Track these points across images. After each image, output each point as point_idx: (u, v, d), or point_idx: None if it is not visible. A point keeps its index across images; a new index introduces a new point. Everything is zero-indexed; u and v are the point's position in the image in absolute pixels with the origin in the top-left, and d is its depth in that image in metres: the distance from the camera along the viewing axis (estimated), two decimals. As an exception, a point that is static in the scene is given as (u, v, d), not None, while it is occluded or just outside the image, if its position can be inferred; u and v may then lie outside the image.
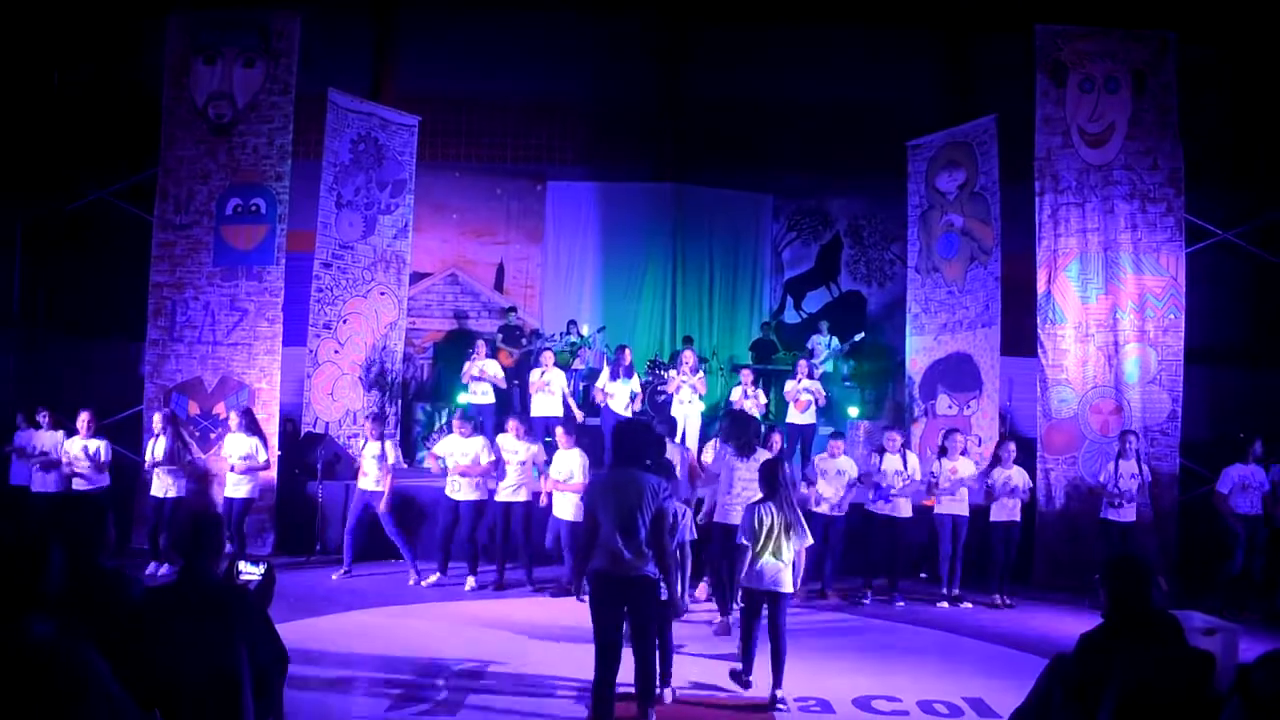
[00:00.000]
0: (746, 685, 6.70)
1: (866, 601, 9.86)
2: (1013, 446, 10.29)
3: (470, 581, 9.96)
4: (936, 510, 10.09)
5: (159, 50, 11.95)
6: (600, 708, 5.47)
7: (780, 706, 6.44)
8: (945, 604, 9.89)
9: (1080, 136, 11.49)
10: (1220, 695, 4.32)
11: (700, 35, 16.01)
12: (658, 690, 5.99)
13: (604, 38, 15.61)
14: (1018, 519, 10.13)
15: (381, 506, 10.16)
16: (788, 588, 6.57)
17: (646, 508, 5.51)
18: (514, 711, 6.29)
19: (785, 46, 15.52)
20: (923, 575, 10.68)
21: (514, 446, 9.96)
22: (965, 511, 10.03)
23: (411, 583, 10.01)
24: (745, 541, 6.54)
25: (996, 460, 10.13)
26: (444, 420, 10.60)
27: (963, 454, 10.15)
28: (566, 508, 9.61)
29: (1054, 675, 4.76)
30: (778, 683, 6.56)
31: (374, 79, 15.38)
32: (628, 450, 5.79)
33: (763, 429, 9.78)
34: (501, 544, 10.02)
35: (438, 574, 10.11)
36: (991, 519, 10.04)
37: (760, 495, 6.69)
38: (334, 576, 10.13)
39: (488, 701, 6.43)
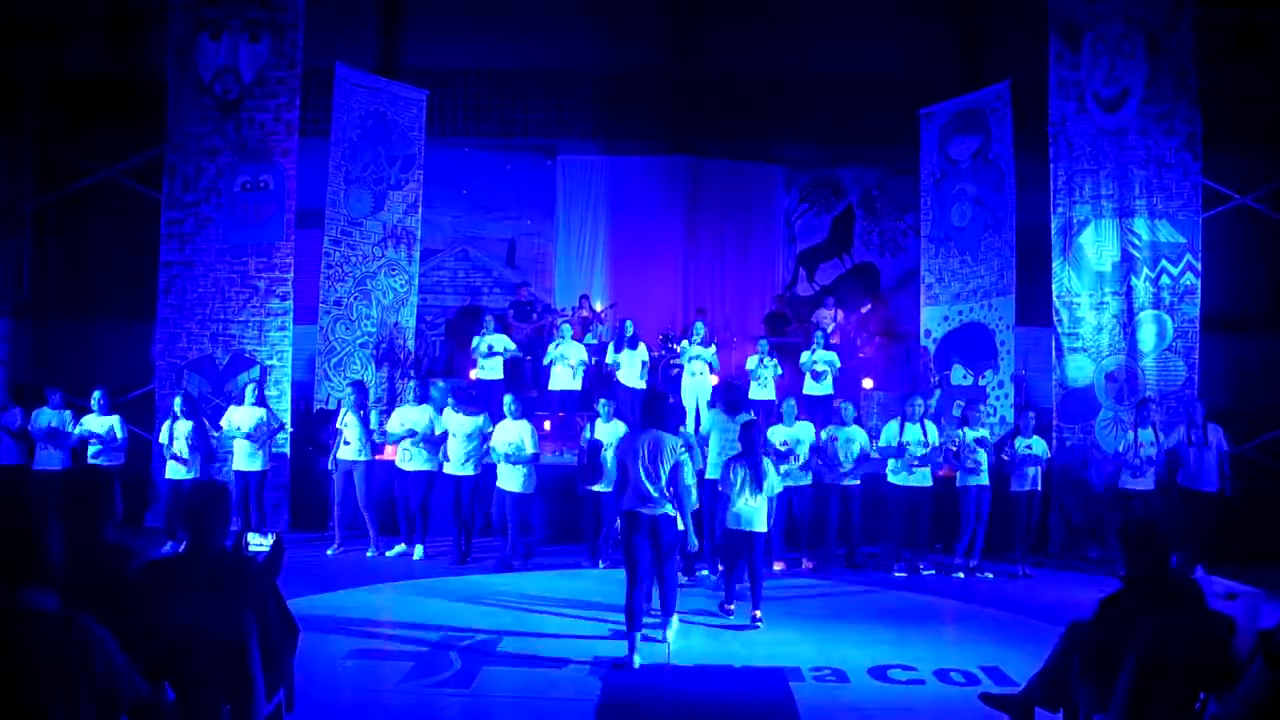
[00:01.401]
0: (728, 614, 7.99)
1: (900, 573, 9.84)
2: (1032, 415, 10.24)
3: (419, 550, 10.09)
4: (958, 482, 10.05)
5: (164, 26, 11.87)
6: (633, 614, 6.68)
7: (759, 622, 7.65)
8: (961, 575, 9.86)
9: (1095, 101, 11.33)
10: (1241, 660, 4.27)
11: (712, 5, 15.85)
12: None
13: (614, 9, 15.46)
14: (1039, 488, 10.09)
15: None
16: (761, 528, 7.81)
17: (668, 460, 6.78)
18: (528, 683, 6.29)
19: (797, 16, 15.33)
20: (937, 546, 10.64)
21: (458, 420, 9.96)
22: (987, 482, 9.98)
23: (370, 554, 10.13)
24: (724, 490, 7.84)
25: (1016, 430, 10.08)
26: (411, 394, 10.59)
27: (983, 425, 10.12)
28: (512, 479, 9.68)
29: (1072, 641, 4.73)
30: (756, 604, 7.76)
31: (381, 53, 15.26)
32: (654, 415, 7.03)
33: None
34: (454, 518, 10.04)
35: (403, 545, 10.21)
36: (1013, 489, 10.00)
37: (739, 450, 7.95)
38: (368, 554, 10.20)
39: (501, 673, 6.42)
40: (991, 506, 9.99)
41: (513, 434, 9.69)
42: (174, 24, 11.69)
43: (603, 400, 10.10)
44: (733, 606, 8.03)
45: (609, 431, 9.73)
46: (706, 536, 9.20)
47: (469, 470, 9.94)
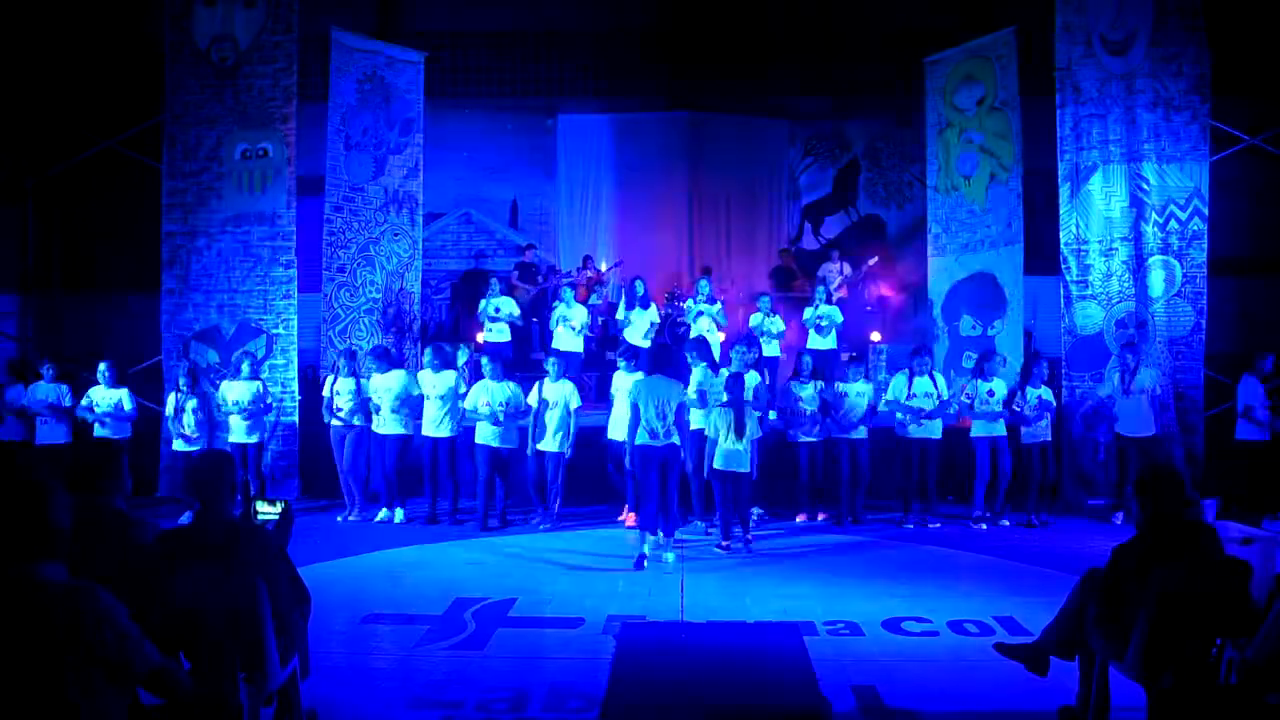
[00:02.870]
0: (726, 549, 8.79)
1: (910, 525, 9.85)
2: (1046, 365, 10.21)
3: (399, 513, 10.14)
4: (973, 433, 10.02)
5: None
6: (648, 525, 8.40)
7: (750, 546, 8.80)
8: (983, 525, 9.85)
9: (1102, 44, 11.16)
10: (1257, 605, 4.26)
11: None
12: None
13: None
14: (1049, 438, 10.07)
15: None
16: (745, 468, 8.69)
17: (674, 400, 8.41)
18: (541, 642, 6.31)
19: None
20: (949, 498, 10.64)
21: (431, 381, 10.00)
22: (1003, 432, 9.95)
23: (351, 518, 10.18)
24: (711, 435, 8.76)
25: (1027, 378, 10.04)
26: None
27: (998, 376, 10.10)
28: (490, 435, 9.76)
29: (1087, 590, 4.71)
30: (746, 533, 8.86)
31: (379, 16, 15.11)
32: (661, 363, 8.82)
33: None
34: (429, 479, 10.10)
35: (385, 511, 10.21)
36: (1025, 440, 9.97)
37: (725, 400, 8.83)
38: (338, 518, 10.22)
39: (515, 634, 6.44)
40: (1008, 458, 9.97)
41: (500, 395, 9.75)
42: (168, -10, 11.57)
43: (551, 359, 10.13)
44: (726, 543, 8.81)
45: (554, 391, 9.76)
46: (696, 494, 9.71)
47: (445, 431, 9.98)
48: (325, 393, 10.42)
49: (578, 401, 9.84)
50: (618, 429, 9.67)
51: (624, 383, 9.77)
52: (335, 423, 10.32)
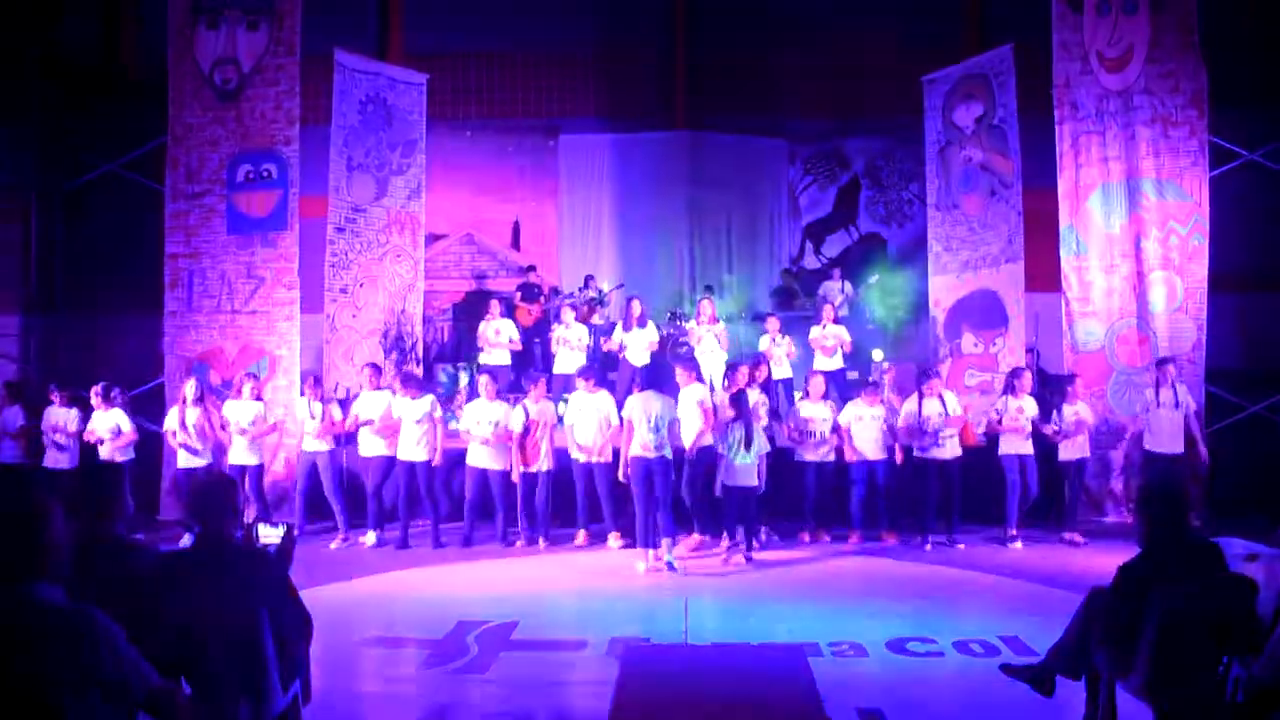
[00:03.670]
0: (731, 561, 9.07)
1: (929, 548, 9.77)
2: (1081, 383, 10.27)
3: (371, 536, 10.05)
4: (1002, 451, 10.00)
5: (161, 18, 11.80)
6: (644, 535, 8.78)
7: (751, 559, 9.05)
8: (1019, 544, 9.78)
9: (1099, 61, 11.20)
10: (1264, 621, 4.24)
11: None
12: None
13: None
14: (1088, 454, 10.10)
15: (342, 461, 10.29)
16: (753, 482, 9.02)
17: (666, 415, 8.91)
18: (545, 665, 6.29)
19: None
20: (967, 519, 10.56)
21: (405, 405, 9.98)
22: (1031, 450, 9.96)
23: (334, 546, 10.01)
24: (722, 450, 9.07)
25: (1064, 396, 10.05)
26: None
27: (1030, 393, 10.11)
28: (482, 456, 9.77)
29: (1092, 609, 4.69)
30: (748, 548, 9.11)
31: (380, 37, 15.18)
32: (655, 379, 9.66)
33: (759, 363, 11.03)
34: (405, 503, 10.02)
35: (373, 533, 10.12)
36: (1061, 458, 10.00)
37: (731, 415, 9.10)
38: (331, 545, 10.08)
39: (519, 658, 6.42)
40: (1040, 474, 9.97)
41: (492, 414, 9.81)
42: (172, 14, 11.62)
43: (539, 380, 10.23)
44: (740, 558, 9.04)
45: (538, 410, 9.87)
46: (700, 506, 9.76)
47: (420, 455, 9.93)
48: (304, 414, 10.42)
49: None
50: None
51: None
52: (306, 446, 10.30)
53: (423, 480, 9.98)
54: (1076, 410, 9.98)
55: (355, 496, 10.45)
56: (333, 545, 10.05)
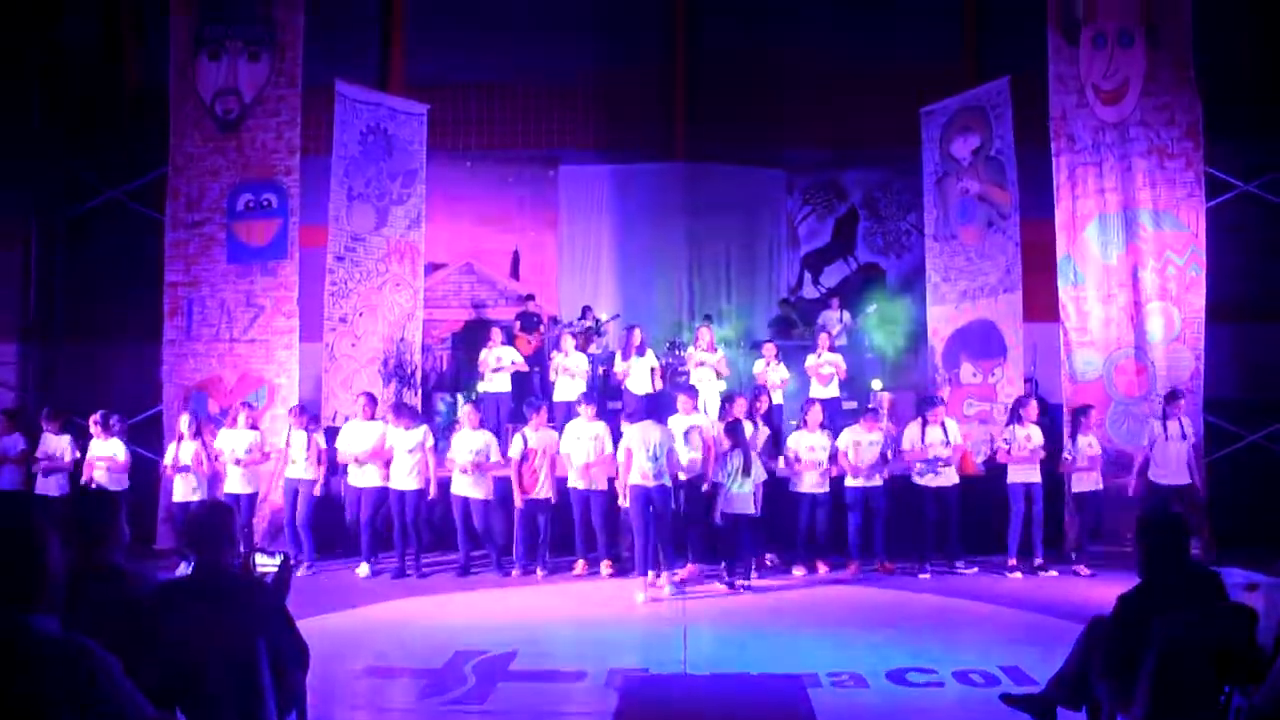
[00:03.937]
0: (731, 588, 9.13)
1: (927, 576, 9.75)
2: (1094, 413, 10.27)
3: (364, 568, 10.00)
4: (1009, 479, 10.00)
5: (164, 48, 11.88)
6: (644, 561, 8.87)
7: (747, 590, 9.09)
8: (1018, 574, 9.77)
9: (1095, 94, 11.29)
10: (1264, 651, 4.22)
11: (709, 9, 15.86)
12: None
13: (611, 18, 15.47)
14: (1101, 487, 10.08)
15: (316, 491, 10.21)
16: (751, 510, 9.08)
17: (665, 443, 9.00)
18: (542, 697, 6.25)
19: (796, 19, 15.34)
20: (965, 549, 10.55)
21: (398, 435, 9.98)
22: (1039, 479, 9.94)
23: (300, 573, 9.83)
24: (720, 480, 9.12)
25: (1076, 427, 10.07)
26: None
27: (1035, 422, 10.11)
28: (464, 485, 9.82)
29: (1092, 639, 4.67)
30: (746, 575, 9.20)
31: (381, 68, 15.27)
32: (655, 411, 9.46)
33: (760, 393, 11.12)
34: (399, 533, 10.01)
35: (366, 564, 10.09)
36: (1075, 490, 10.03)
37: (728, 445, 9.15)
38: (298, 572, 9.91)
39: (517, 688, 6.38)
40: (1045, 503, 9.97)
41: (478, 442, 9.85)
42: (174, 44, 11.70)
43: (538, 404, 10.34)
44: (739, 583, 9.14)
45: (538, 439, 9.91)
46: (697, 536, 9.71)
47: (412, 484, 9.93)
48: (286, 442, 10.40)
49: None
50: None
51: (580, 429, 9.89)
52: (290, 474, 10.29)
53: (410, 510, 9.96)
54: (1090, 441, 10.00)
55: (338, 526, 10.50)
56: (299, 572, 9.98)
